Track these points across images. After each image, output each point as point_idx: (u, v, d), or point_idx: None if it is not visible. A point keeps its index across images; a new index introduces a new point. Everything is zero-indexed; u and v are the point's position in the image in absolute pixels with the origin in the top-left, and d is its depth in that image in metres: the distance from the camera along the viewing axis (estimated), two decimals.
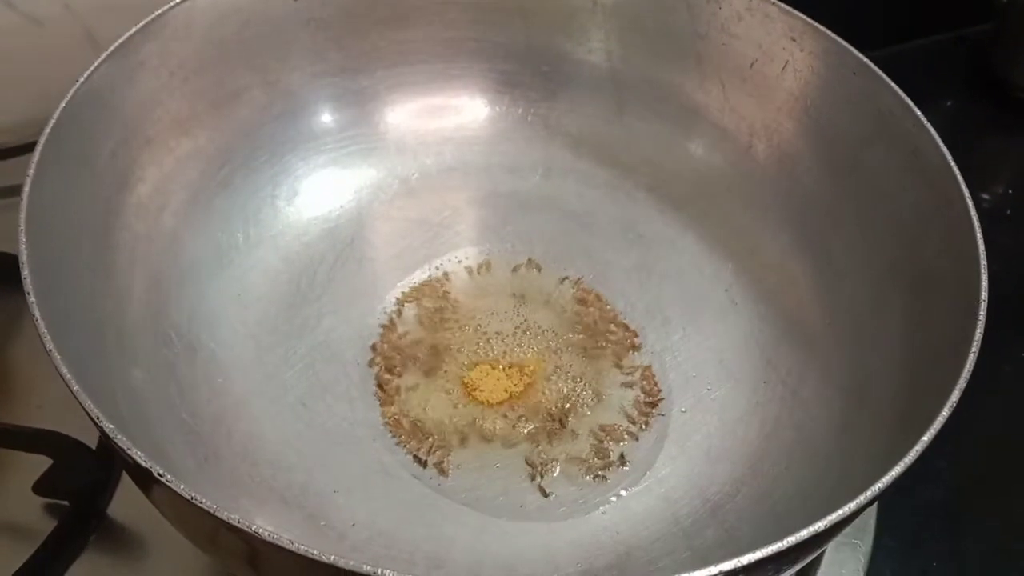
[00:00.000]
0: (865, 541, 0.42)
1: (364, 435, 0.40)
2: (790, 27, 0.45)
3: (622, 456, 0.40)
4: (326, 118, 0.49)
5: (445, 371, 0.43)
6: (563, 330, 0.45)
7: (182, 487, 0.26)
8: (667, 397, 0.43)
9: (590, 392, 0.43)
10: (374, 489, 0.39)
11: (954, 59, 0.71)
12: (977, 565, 0.43)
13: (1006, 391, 0.51)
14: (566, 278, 0.47)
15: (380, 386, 0.42)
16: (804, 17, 0.44)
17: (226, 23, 0.44)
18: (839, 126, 0.44)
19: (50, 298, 0.31)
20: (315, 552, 0.24)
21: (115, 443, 0.27)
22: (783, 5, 0.45)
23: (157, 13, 0.41)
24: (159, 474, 0.26)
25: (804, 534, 0.26)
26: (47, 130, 0.35)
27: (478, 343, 0.44)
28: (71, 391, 0.28)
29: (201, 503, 0.25)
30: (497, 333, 0.45)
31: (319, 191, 0.48)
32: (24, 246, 0.31)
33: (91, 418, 0.28)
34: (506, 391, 0.42)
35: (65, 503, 0.40)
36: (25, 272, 0.31)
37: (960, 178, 0.38)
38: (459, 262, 0.47)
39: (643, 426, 0.42)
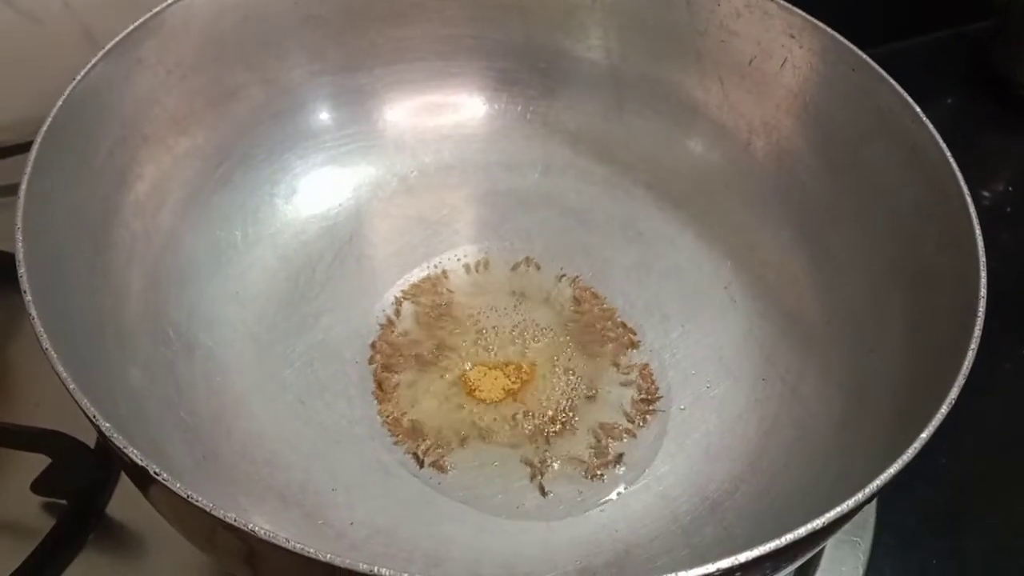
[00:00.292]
0: (865, 538, 0.42)
1: (363, 433, 0.40)
2: (789, 24, 0.45)
3: (621, 454, 0.40)
4: (324, 116, 0.48)
5: (444, 369, 0.43)
6: (562, 328, 0.45)
7: (178, 486, 0.26)
8: (666, 395, 0.43)
9: (589, 390, 0.43)
10: (373, 487, 0.39)
11: (954, 56, 0.71)
12: (977, 562, 0.43)
13: (1005, 388, 0.50)
14: (564, 276, 0.47)
15: (379, 384, 0.42)
16: (803, 14, 0.44)
17: (224, 20, 0.44)
18: (838, 123, 0.44)
19: (47, 296, 0.31)
20: (311, 550, 0.24)
21: (112, 442, 0.27)
22: (782, 2, 0.45)
23: (155, 11, 0.41)
24: (155, 472, 0.26)
25: (803, 531, 0.26)
26: (44, 128, 0.35)
27: (477, 341, 0.44)
28: (67, 390, 0.28)
29: (198, 502, 0.25)
30: (496, 331, 0.44)
31: (317, 189, 0.48)
32: (21, 244, 0.31)
33: (87, 416, 0.27)
34: (504, 389, 0.42)
35: (63, 502, 0.40)
36: (22, 270, 0.31)
37: (959, 174, 0.38)
38: (458, 260, 0.47)
39: (642, 424, 0.42)
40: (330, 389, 0.42)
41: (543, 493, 0.39)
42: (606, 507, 0.39)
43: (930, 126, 0.39)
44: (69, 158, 0.37)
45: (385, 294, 0.45)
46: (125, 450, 0.26)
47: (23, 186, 0.33)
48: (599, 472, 0.40)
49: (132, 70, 0.40)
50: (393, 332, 0.44)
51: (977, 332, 0.32)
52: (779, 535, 0.26)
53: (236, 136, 0.45)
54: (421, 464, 0.40)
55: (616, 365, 0.44)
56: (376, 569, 0.24)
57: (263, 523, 0.25)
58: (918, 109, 0.40)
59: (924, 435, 0.29)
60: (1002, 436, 0.48)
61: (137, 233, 0.40)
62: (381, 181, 0.49)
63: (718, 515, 0.38)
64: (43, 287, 0.31)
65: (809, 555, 0.34)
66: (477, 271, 0.47)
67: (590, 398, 0.42)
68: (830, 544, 0.41)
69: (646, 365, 0.44)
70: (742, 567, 0.25)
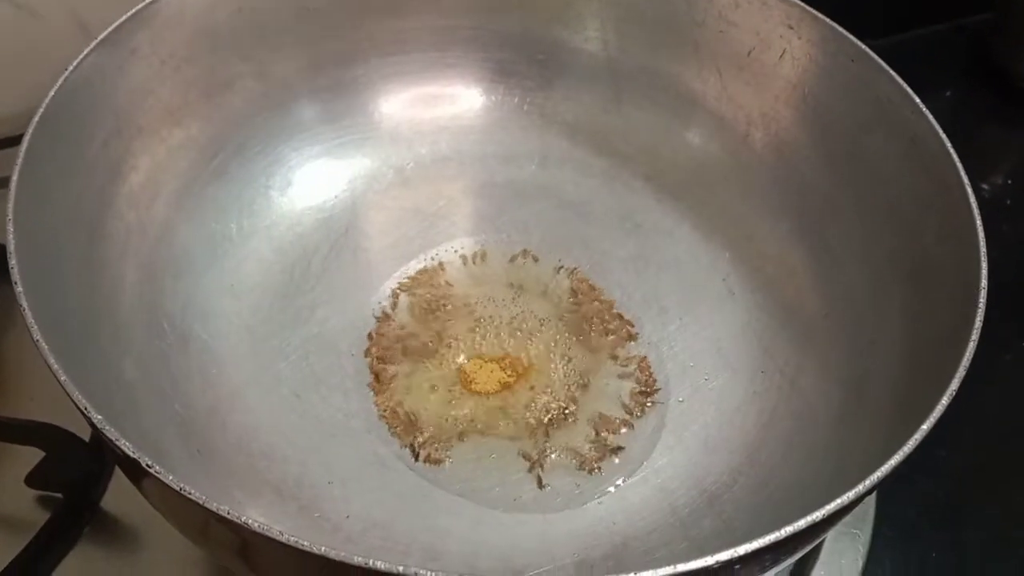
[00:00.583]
0: (864, 530, 0.41)
1: (359, 426, 0.40)
2: (787, 14, 0.45)
3: (619, 447, 0.40)
4: (320, 107, 0.48)
5: (441, 362, 0.43)
6: (559, 320, 0.45)
7: (171, 478, 0.25)
8: (664, 387, 0.42)
9: (586, 382, 0.42)
10: (369, 480, 0.38)
11: (954, 49, 0.70)
12: (977, 554, 0.43)
13: (1005, 380, 0.50)
14: (562, 268, 0.47)
15: (375, 377, 0.42)
16: (802, 4, 0.44)
17: (218, 11, 0.43)
18: (837, 114, 0.44)
19: (39, 288, 0.31)
20: (305, 543, 0.24)
21: (103, 433, 0.27)
22: None
23: (148, 0, 0.41)
24: (148, 465, 0.26)
25: (802, 523, 0.26)
26: (35, 119, 0.35)
27: (474, 334, 0.44)
28: (59, 381, 0.28)
29: (190, 494, 0.25)
30: (493, 323, 0.44)
31: (313, 181, 0.48)
32: (12, 235, 0.31)
33: (79, 408, 0.27)
34: (502, 382, 0.42)
35: (58, 495, 0.40)
36: (13, 262, 0.30)
37: (959, 165, 0.37)
38: (455, 252, 0.47)
39: (640, 416, 0.41)
40: (326, 382, 0.41)
41: (540, 486, 0.39)
42: (604, 500, 0.39)
43: (930, 117, 0.39)
44: (62, 149, 0.36)
45: (381, 286, 0.45)
46: (117, 442, 0.26)
47: (14, 177, 0.33)
48: (597, 464, 0.40)
49: (126, 61, 0.40)
50: (389, 324, 0.44)
51: (978, 323, 0.32)
52: (778, 527, 0.26)
53: (231, 127, 0.45)
54: (417, 457, 0.39)
55: (614, 357, 0.43)
56: (371, 562, 0.24)
57: (259, 517, 0.25)
58: (918, 100, 0.40)
59: (925, 426, 0.29)
60: (1002, 427, 0.48)
61: (131, 225, 0.40)
62: (377, 173, 0.49)
63: (716, 508, 0.38)
64: (35, 279, 0.31)
65: (809, 547, 0.34)
66: (474, 263, 0.47)
67: (588, 390, 0.42)
68: (830, 536, 0.41)
69: (644, 357, 0.43)
70: (742, 559, 0.25)
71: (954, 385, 0.30)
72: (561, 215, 0.49)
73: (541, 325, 0.44)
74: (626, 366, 0.43)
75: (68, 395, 0.27)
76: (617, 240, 0.48)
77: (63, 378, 0.28)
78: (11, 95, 0.51)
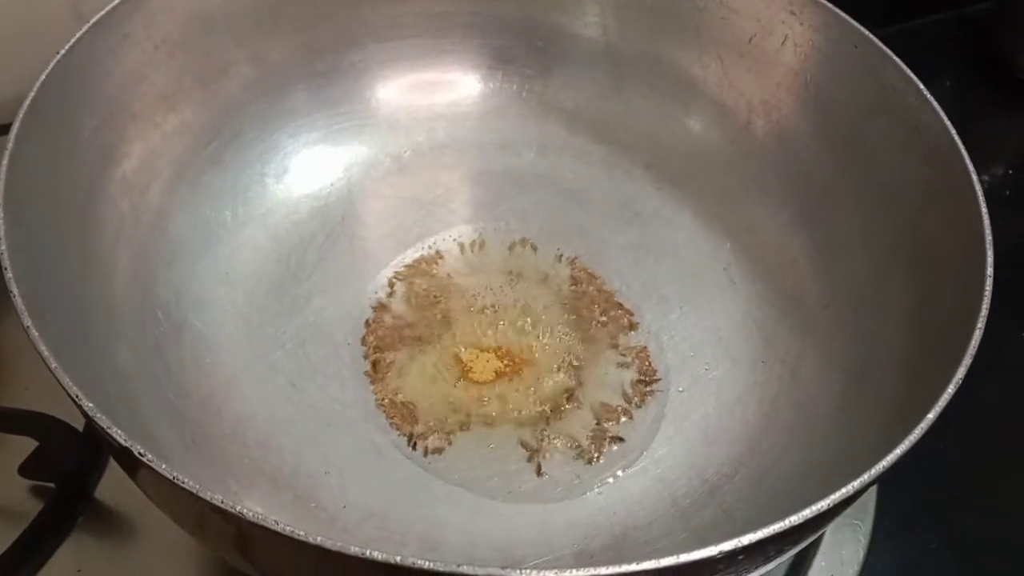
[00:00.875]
0: (865, 522, 0.41)
1: (355, 416, 0.40)
2: (789, 0, 0.44)
3: (618, 436, 0.40)
4: (316, 94, 0.48)
5: (438, 351, 0.42)
6: (559, 309, 0.44)
7: (164, 467, 0.25)
8: (664, 377, 0.42)
9: (586, 372, 0.42)
10: (366, 470, 0.38)
11: (956, 38, 0.70)
12: (978, 547, 0.43)
13: (1007, 372, 0.50)
14: (562, 256, 0.46)
15: (372, 366, 0.41)
16: None
17: None
18: (840, 101, 0.43)
19: (30, 275, 0.31)
20: (301, 533, 0.24)
21: (95, 422, 0.26)
22: None
23: None
24: (140, 454, 0.25)
25: (806, 513, 0.26)
26: (26, 103, 0.35)
27: (472, 322, 0.43)
28: (50, 369, 0.27)
29: (184, 483, 0.25)
30: (491, 312, 0.44)
31: (309, 168, 0.47)
32: (2, 222, 0.31)
33: (70, 396, 0.27)
34: (499, 371, 0.41)
35: (51, 485, 0.40)
36: (2, 248, 0.30)
37: (964, 152, 0.37)
38: (453, 240, 0.47)
39: (640, 406, 0.41)
40: (322, 371, 0.41)
41: (539, 475, 0.38)
42: (603, 490, 0.38)
43: (934, 103, 0.39)
44: (53, 134, 0.36)
45: (378, 275, 0.45)
46: (109, 430, 0.26)
47: (4, 162, 0.32)
48: (596, 454, 0.39)
49: (119, 45, 0.40)
50: (386, 313, 0.43)
51: (984, 311, 0.32)
52: (779, 518, 0.26)
53: (226, 114, 0.45)
54: (415, 446, 0.39)
55: (614, 347, 0.43)
56: (368, 552, 0.24)
57: (254, 506, 0.25)
58: (922, 86, 0.39)
59: (931, 416, 0.29)
60: (1002, 420, 0.48)
61: (125, 212, 0.40)
62: (374, 160, 0.49)
63: (717, 498, 0.37)
64: (26, 265, 0.31)
65: (812, 538, 0.33)
66: (472, 252, 0.46)
67: (587, 380, 0.42)
68: (830, 527, 0.40)
69: (644, 347, 0.43)
70: (745, 550, 0.25)
71: (960, 373, 0.30)
72: (560, 203, 0.48)
73: (540, 314, 0.44)
74: (626, 355, 0.43)
75: (59, 382, 0.27)
76: (617, 228, 0.47)
77: (54, 365, 0.27)
78: (3, 81, 0.50)
